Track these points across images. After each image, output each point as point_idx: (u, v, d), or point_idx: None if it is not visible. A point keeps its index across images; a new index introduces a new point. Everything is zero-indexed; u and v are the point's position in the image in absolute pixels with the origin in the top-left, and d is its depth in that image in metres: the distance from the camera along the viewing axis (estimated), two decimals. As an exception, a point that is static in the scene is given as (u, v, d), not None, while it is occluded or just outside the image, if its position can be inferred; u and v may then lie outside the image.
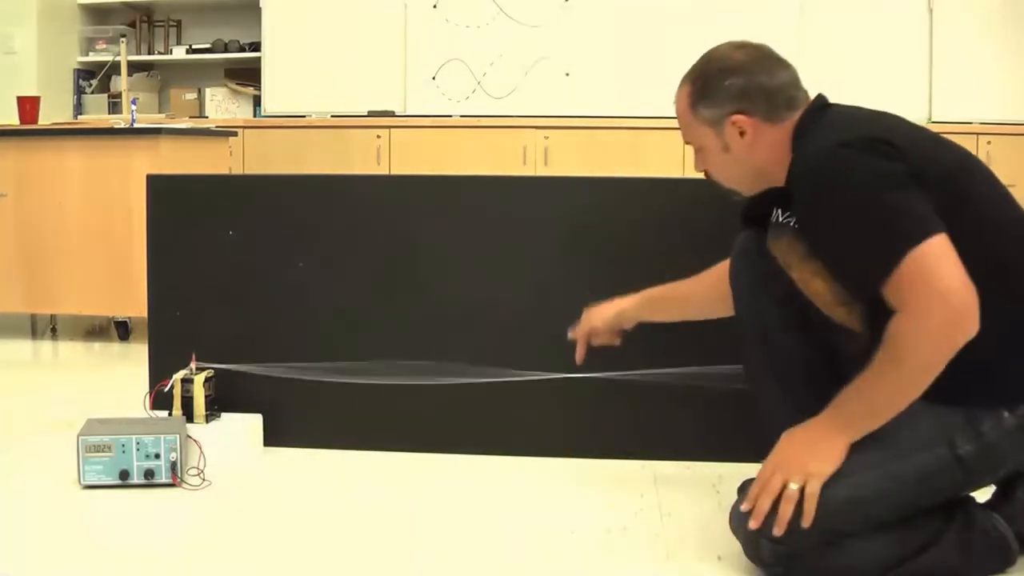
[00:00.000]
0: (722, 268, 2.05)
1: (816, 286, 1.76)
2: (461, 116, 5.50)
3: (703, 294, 2.12)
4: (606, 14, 5.39)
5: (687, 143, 1.91)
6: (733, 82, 1.79)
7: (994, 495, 1.79)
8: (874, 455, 1.63)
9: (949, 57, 5.30)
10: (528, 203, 2.53)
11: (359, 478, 2.35)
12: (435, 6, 5.53)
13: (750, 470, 2.04)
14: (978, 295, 1.54)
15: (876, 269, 1.57)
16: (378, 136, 5.40)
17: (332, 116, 5.55)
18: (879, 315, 1.60)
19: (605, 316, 2.21)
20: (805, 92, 1.83)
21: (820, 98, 1.82)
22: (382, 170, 5.31)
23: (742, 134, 1.80)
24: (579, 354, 2.25)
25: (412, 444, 2.51)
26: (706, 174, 1.93)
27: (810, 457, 1.62)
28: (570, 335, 2.25)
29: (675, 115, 1.90)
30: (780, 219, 1.83)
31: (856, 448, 1.63)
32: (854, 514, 1.62)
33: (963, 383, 1.61)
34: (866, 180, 1.60)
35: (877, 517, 1.64)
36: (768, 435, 1.75)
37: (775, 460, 1.66)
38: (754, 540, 1.66)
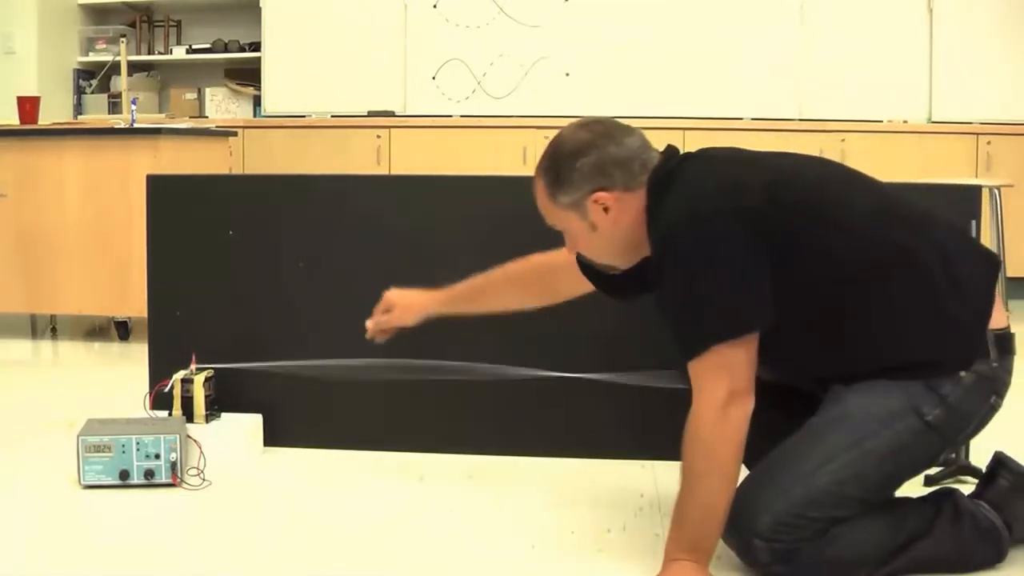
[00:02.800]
0: (534, 262, 2.11)
1: None
2: (461, 116, 5.50)
3: (514, 291, 2.15)
4: (606, 14, 5.40)
5: (553, 227, 1.88)
6: (584, 161, 1.75)
7: (978, 485, 1.83)
8: (847, 437, 1.66)
9: (949, 57, 5.30)
10: (527, 203, 2.52)
11: (359, 478, 2.35)
12: (435, 6, 5.53)
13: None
14: (888, 279, 1.67)
15: (686, 350, 1.65)
16: (378, 136, 5.40)
17: (332, 116, 5.55)
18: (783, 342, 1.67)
19: (412, 312, 2.21)
20: (656, 152, 1.81)
21: (669, 153, 1.80)
22: (382, 170, 5.31)
23: (606, 210, 1.77)
24: (372, 328, 2.23)
25: (412, 444, 2.51)
26: (579, 257, 1.93)
27: None
28: (368, 324, 2.23)
29: (538, 206, 1.86)
30: None
31: (828, 433, 1.67)
32: (838, 497, 1.64)
33: (915, 361, 1.67)
34: (703, 268, 1.63)
35: (862, 497, 1.66)
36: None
37: None
38: (747, 543, 1.66)
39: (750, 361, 1.63)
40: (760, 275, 1.64)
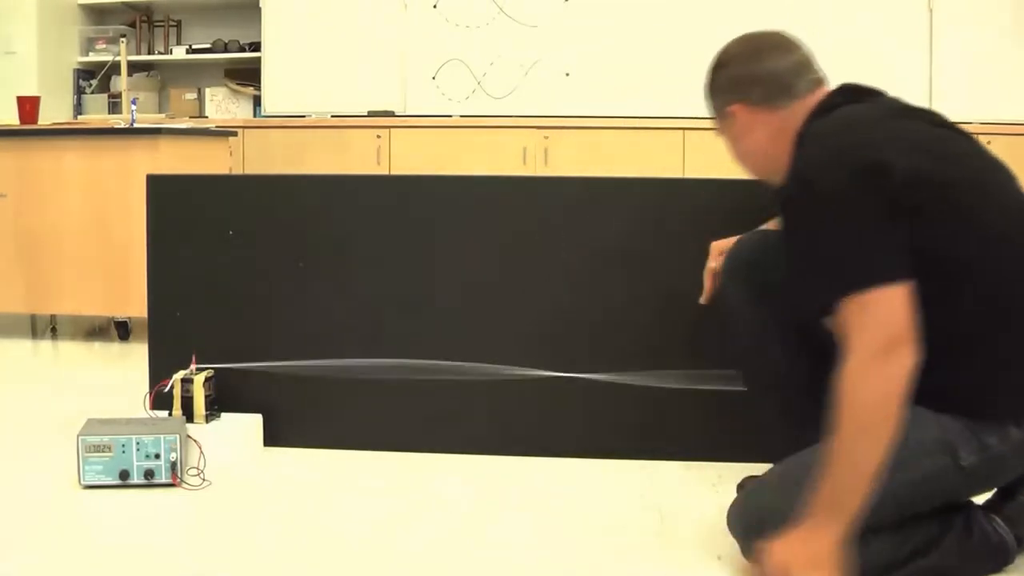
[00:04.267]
0: None
1: None
2: (461, 116, 5.50)
3: None
4: (606, 14, 5.39)
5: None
6: (724, 73, 1.88)
7: (994, 496, 1.79)
8: None
9: (949, 57, 5.30)
10: (528, 203, 2.53)
11: (359, 478, 2.35)
12: (435, 6, 5.53)
13: (749, 470, 2.04)
14: (979, 311, 1.55)
15: (812, 303, 1.58)
16: (378, 136, 5.40)
17: (332, 116, 5.55)
18: None
19: None
20: (814, 76, 1.83)
21: (840, 91, 1.81)
22: (382, 170, 5.31)
23: (741, 123, 1.85)
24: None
25: (412, 444, 2.51)
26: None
27: (809, 566, 1.52)
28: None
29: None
30: None
31: None
32: None
33: (969, 398, 1.60)
34: (838, 211, 1.54)
35: (878, 520, 1.62)
36: (776, 442, 1.75)
37: (776, 565, 1.56)
38: (750, 544, 1.65)
39: (908, 306, 1.47)
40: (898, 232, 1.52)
